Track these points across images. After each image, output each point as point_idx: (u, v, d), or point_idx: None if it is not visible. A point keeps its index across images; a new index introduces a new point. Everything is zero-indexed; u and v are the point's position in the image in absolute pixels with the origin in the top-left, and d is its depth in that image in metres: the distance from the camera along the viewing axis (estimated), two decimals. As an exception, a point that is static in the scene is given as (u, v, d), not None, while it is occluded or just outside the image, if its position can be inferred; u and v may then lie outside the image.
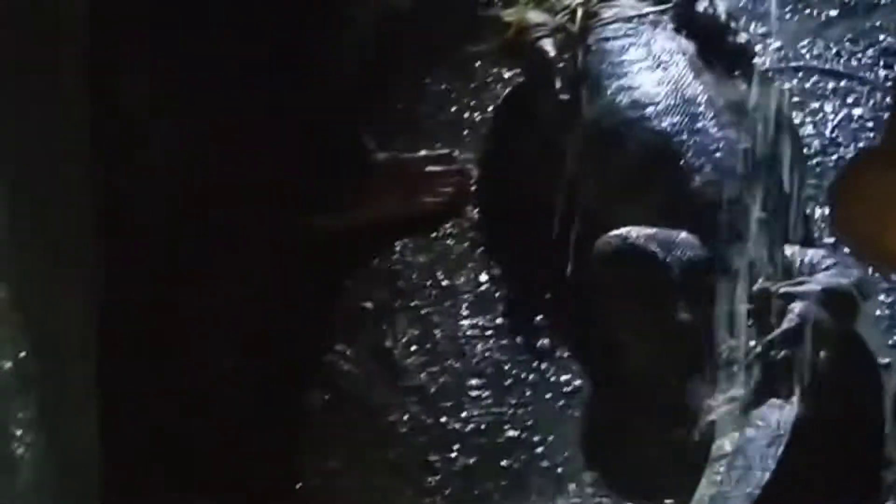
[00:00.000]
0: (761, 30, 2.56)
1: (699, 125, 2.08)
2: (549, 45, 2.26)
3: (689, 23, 2.25)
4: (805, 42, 2.54)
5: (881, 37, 2.54)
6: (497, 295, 2.17)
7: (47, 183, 1.63)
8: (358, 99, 2.20)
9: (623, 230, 2.00)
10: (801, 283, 1.94)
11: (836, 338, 1.92)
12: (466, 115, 2.41)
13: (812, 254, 2.04)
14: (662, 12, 2.27)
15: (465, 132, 2.39)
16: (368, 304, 2.17)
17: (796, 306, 1.90)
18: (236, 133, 2.00)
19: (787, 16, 2.58)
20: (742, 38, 2.30)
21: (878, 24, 2.57)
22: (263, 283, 2.14)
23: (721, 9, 2.29)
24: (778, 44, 2.53)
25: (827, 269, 1.99)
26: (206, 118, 2.03)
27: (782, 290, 1.92)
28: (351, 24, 2.02)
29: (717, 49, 2.22)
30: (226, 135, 2.00)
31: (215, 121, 2.03)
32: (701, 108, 2.09)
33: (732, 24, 2.29)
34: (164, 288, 2.04)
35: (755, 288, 1.93)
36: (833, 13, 2.60)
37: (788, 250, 2.00)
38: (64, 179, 1.67)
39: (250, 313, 2.11)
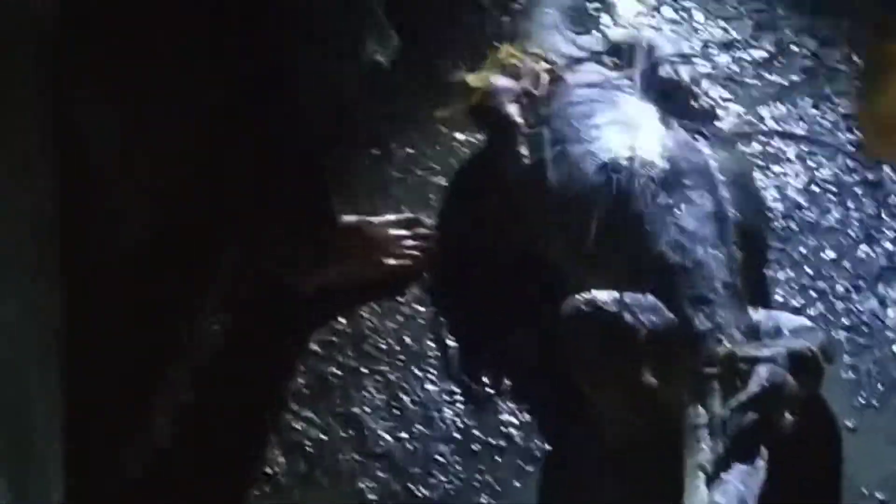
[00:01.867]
0: (724, 94, 2.60)
1: (664, 189, 2.09)
2: (514, 110, 2.27)
3: (652, 88, 2.27)
4: (768, 106, 2.57)
5: (842, 101, 2.58)
6: (465, 359, 2.17)
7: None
8: (326, 161, 2.19)
9: (589, 294, 2.00)
10: (766, 347, 1.95)
11: (801, 401, 1.92)
12: (433, 179, 2.42)
13: (777, 317, 2.05)
14: (626, 77, 2.29)
15: (432, 196, 2.39)
16: (335, 369, 2.16)
17: (762, 370, 1.90)
18: (202, 187, 1.99)
19: (750, 80, 2.62)
20: (704, 102, 2.32)
21: (839, 89, 2.61)
22: (228, 345, 2.13)
23: (683, 74, 2.32)
24: (741, 108, 2.56)
25: (792, 332, 2.00)
26: (172, 166, 2.02)
27: (748, 353, 1.93)
28: (331, 85, 2.02)
29: (679, 113, 2.24)
30: (191, 188, 1.99)
31: (182, 171, 2.01)
32: (665, 172, 2.10)
33: (695, 89, 2.31)
34: (125, 332, 2.02)
35: (721, 352, 1.93)
36: (795, 78, 2.63)
37: (753, 313, 2.01)
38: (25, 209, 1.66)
39: (213, 374, 2.10)
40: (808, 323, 2.07)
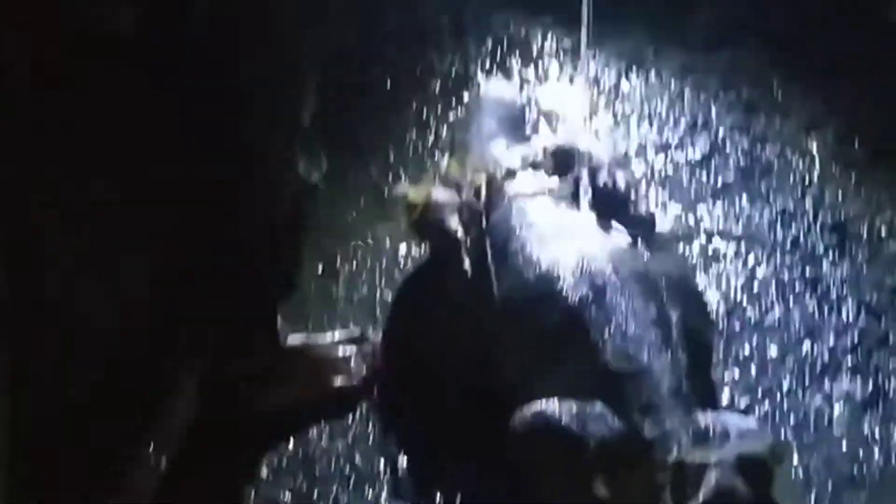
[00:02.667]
0: (662, 196, 2.63)
1: (606, 297, 2.10)
2: (455, 223, 2.29)
3: (590, 195, 2.29)
4: (705, 207, 2.61)
5: (778, 199, 2.62)
6: (416, 478, 2.16)
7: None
8: (272, 281, 2.19)
9: (538, 406, 2.00)
10: (715, 452, 1.95)
11: (752, 504, 1.93)
12: (378, 294, 2.43)
13: (725, 420, 2.05)
14: (565, 185, 2.31)
15: (378, 311, 2.40)
16: (286, 495, 2.14)
17: (712, 476, 1.90)
18: (146, 305, 1.98)
19: (686, 182, 2.66)
20: (643, 207, 2.34)
21: (774, 186, 2.65)
22: (176, 471, 2.10)
23: (620, 180, 2.35)
24: (677, 209, 2.60)
25: (740, 435, 2.01)
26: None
27: (697, 460, 1.93)
28: (267, 208, 2.02)
29: (619, 219, 2.26)
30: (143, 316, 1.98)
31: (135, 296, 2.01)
32: (607, 280, 2.12)
33: (633, 195, 2.34)
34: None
35: (670, 458, 1.93)
36: (730, 178, 2.68)
37: (702, 417, 2.02)
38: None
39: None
40: (756, 426, 2.08)
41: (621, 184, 2.34)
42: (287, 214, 2.04)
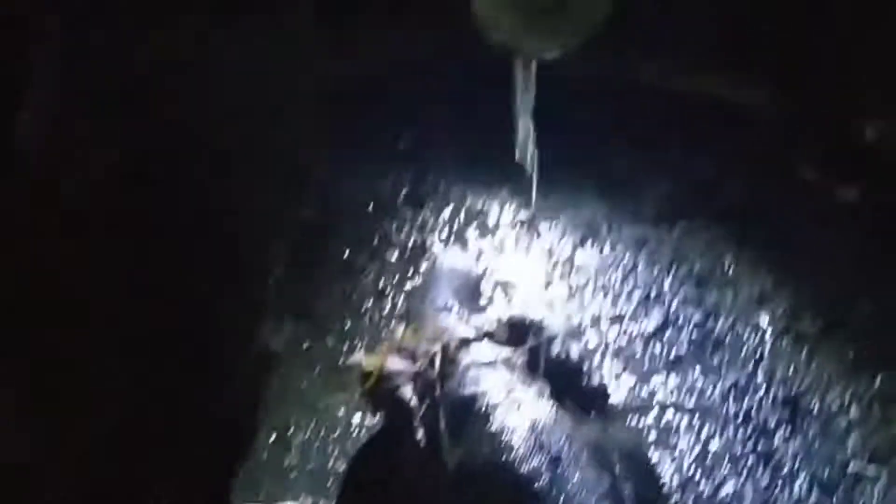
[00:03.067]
0: (616, 368, 2.65)
1: (559, 468, 2.09)
2: (408, 393, 2.29)
3: (544, 366, 2.31)
4: (658, 379, 2.63)
5: (730, 372, 2.65)
6: None
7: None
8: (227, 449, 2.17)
9: None
10: None
11: None
12: (330, 464, 2.42)
13: None
14: (518, 355, 2.33)
15: (329, 481, 2.38)
16: None
17: None
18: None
19: (639, 354, 2.69)
20: (596, 378, 2.35)
21: (726, 359, 2.68)
22: None
23: (574, 351, 2.36)
24: (631, 381, 2.62)
25: None
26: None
27: None
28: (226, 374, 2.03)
29: (572, 390, 2.27)
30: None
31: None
32: (560, 451, 2.12)
33: (585, 366, 2.35)
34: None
35: None
36: (683, 351, 2.70)
37: None
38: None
39: None
40: None
41: (574, 355, 2.36)
42: (248, 381, 2.03)
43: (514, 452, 2.12)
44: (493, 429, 2.17)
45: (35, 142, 2.08)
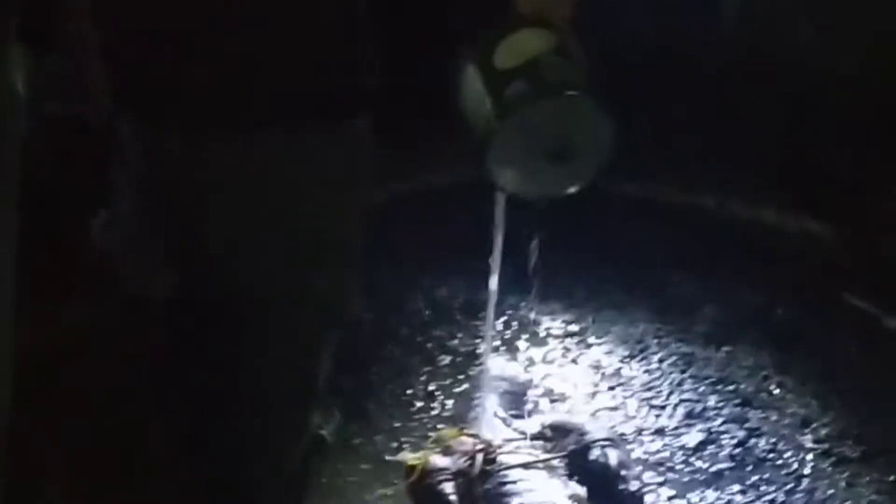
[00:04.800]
0: (656, 479, 2.70)
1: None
2: (449, 489, 2.37)
3: (581, 470, 2.38)
4: (697, 491, 2.67)
5: (769, 490, 2.68)
6: None
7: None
8: None
9: None
10: None
11: None
12: (373, 552, 2.49)
13: None
14: (557, 459, 2.40)
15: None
16: None
17: None
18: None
19: (679, 467, 2.73)
20: (633, 485, 2.42)
21: (766, 476, 2.72)
22: None
23: (614, 459, 2.43)
24: (671, 492, 2.66)
25: None
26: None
27: None
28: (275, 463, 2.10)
29: (609, 496, 2.34)
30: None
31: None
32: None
33: (623, 472, 2.42)
34: None
35: None
36: (724, 466, 2.75)
37: None
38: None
39: None
40: None
41: (613, 461, 2.43)
42: (297, 467, 2.11)
43: (547, 553, 2.20)
44: (528, 527, 2.25)
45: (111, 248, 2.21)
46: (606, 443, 2.47)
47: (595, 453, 2.43)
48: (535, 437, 2.51)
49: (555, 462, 2.41)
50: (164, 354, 2.00)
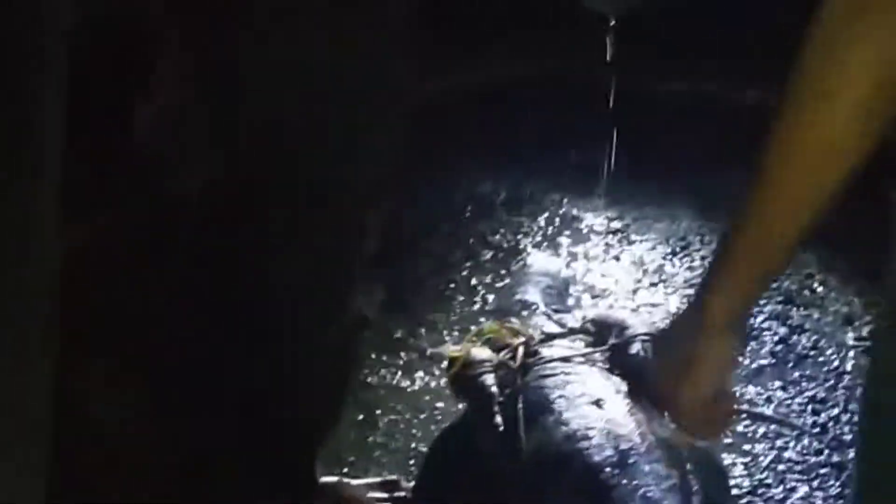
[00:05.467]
0: (697, 375, 2.71)
1: (630, 460, 2.17)
2: (490, 381, 2.38)
3: (622, 364, 2.38)
4: (737, 387, 2.68)
5: (810, 385, 2.69)
6: None
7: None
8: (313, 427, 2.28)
9: None
10: None
11: None
12: (413, 445, 2.52)
13: None
14: (598, 353, 2.41)
15: (412, 461, 2.48)
16: None
17: None
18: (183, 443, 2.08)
19: (721, 363, 2.74)
20: (673, 380, 2.42)
21: (807, 373, 2.73)
22: None
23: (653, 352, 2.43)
24: (711, 390, 2.67)
25: None
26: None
27: None
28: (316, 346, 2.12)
29: (649, 390, 2.34)
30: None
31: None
32: (632, 444, 2.19)
33: (664, 368, 2.42)
34: None
35: None
36: (764, 362, 2.76)
37: None
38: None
39: None
40: None
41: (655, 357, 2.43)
42: (341, 344, 2.11)
43: (586, 442, 2.20)
44: (567, 419, 2.26)
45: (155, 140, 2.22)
46: (647, 337, 2.46)
47: (636, 347, 2.43)
48: (576, 332, 2.51)
49: (595, 356, 2.41)
50: (204, 248, 2.02)
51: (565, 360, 2.40)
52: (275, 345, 2.05)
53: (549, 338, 2.48)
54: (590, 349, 2.43)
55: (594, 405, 2.28)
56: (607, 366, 2.40)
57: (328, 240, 2.01)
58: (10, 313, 1.59)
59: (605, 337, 2.48)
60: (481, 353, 2.45)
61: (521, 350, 2.42)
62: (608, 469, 2.16)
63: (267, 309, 2.02)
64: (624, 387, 2.33)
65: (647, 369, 2.40)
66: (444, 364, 2.48)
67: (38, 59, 1.55)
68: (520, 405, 2.32)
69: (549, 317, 2.58)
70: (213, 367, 2.04)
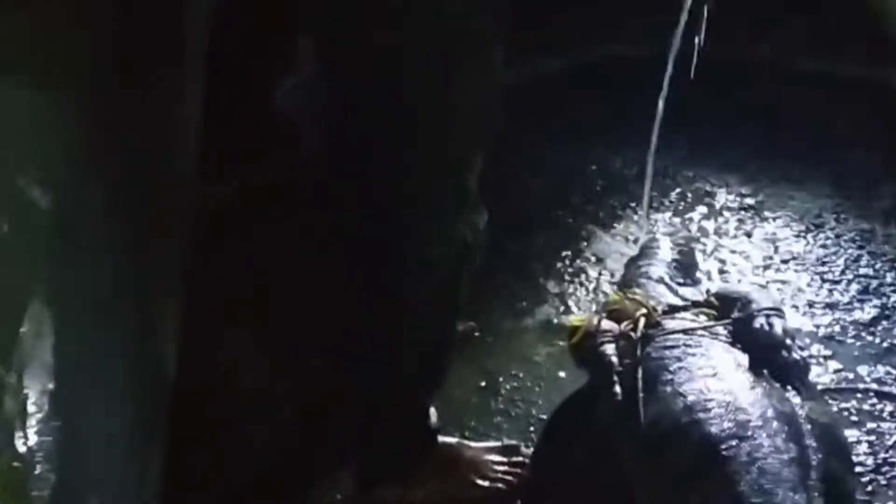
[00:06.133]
0: (825, 351, 2.68)
1: (749, 432, 2.16)
2: (611, 351, 2.40)
3: (745, 337, 2.37)
4: (866, 366, 2.65)
5: (942, 367, 2.64)
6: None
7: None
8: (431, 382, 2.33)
9: None
10: None
11: None
12: (533, 411, 2.55)
13: None
14: (721, 326, 2.41)
15: (532, 427, 2.52)
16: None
17: None
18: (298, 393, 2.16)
19: (850, 342, 2.71)
20: (797, 354, 2.39)
21: (938, 354, 2.68)
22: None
23: (777, 327, 2.41)
24: (839, 365, 2.64)
25: None
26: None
27: None
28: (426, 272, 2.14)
29: (771, 363, 2.33)
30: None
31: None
32: (751, 417, 2.19)
33: (788, 341, 2.40)
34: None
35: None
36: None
37: None
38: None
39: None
40: None
41: (778, 330, 2.41)
42: (449, 272, 2.15)
43: (704, 413, 2.20)
44: (686, 390, 2.26)
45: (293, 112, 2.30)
46: (772, 312, 2.45)
47: (759, 322, 2.42)
48: (699, 305, 2.51)
49: (718, 329, 2.40)
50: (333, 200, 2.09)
51: (687, 332, 2.40)
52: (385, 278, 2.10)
53: (672, 310, 2.49)
54: (712, 322, 2.43)
55: (714, 377, 2.28)
56: (729, 339, 2.39)
57: (437, 163, 2.04)
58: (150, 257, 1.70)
59: (728, 311, 2.47)
60: (603, 323, 2.47)
61: (642, 321, 2.43)
62: (725, 440, 2.16)
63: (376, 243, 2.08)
64: (746, 360, 2.33)
65: (771, 344, 2.40)
66: (567, 332, 2.51)
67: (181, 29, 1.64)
68: (639, 375, 2.34)
69: (674, 290, 2.58)
70: (330, 310, 2.12)
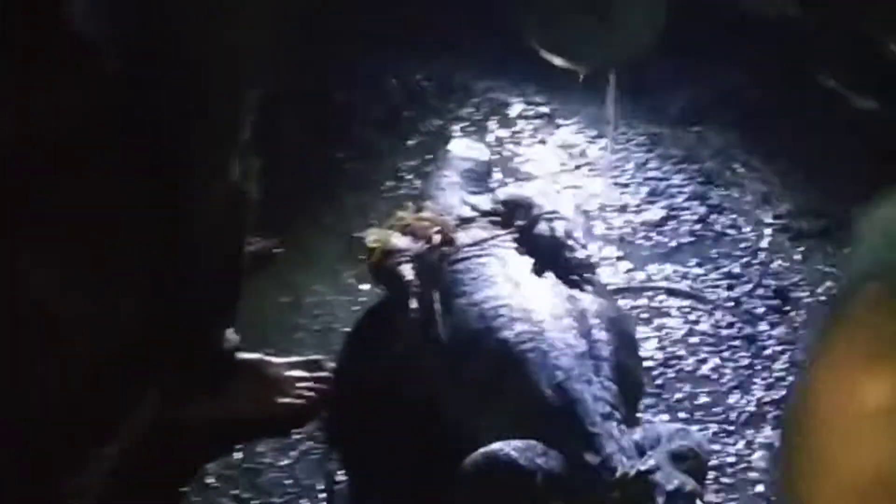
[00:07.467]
0: (617, 252, 2.78)
1: (543, 333, 2.25)
2: (408, 269, 2.44)
3: (530, 242, 2.45)
4: (655, 264, 2.75)
5: (725, 262, 2.76)
6: (352, 498, 2.30)
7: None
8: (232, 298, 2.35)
9: (487, 448, 2.14)
10: (651, 458, 2.10)
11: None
12: (336, 326, 2.59)
13: (654, 428, 2.26)
14: (509, 234, 2.48)
15: (333, 341, 2.55)
16: (230, 502, 2.28)
17: (657, 478, 2.05)
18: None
19: (639, 242, 2.81)
20: (581, 253, 2.48)
21: (723, 250, 2.80)
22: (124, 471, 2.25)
23: (559, 229, 2.48)
24: (630, 265, 2.74)
25: (669, 437, 2.18)
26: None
27: (640, 469, 2.07)
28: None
29: (556, 264, 2.42)
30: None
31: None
32: (543, 318, 2.27)
33: (570, 242, 2.47)
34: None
35: (615, 478, 2.07)
36: (683, 241, 2.82)
37: (633, 434, 2.17)
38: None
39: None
40: (681, 426, 2.29)
41: (559, 232, 2.48)
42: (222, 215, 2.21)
43: (499, 320, 2.28)
44: (479, 299, 2.33)
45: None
46: (552, 214, 2.52)
47: (542, 226, 2.49)
48: (487, 214, 2.57)
49: (507, 238, 2.48)
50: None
51: (479, 242, 2.46)
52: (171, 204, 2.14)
53: (463, 222, 2.54)
54: (499, 232, 2.50)
55: (507, 284, 2.36)
56: (519, 245, 2.47)
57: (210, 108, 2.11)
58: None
59: (513, 217, 2.54)
60: (400, 241, 2.51)
61: (436, 238, 2.48)
62: (519, 343, 2.25)
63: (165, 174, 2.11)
64: (534, 264, 2.41)
65: (555, 246, 2.48)
66: (365, 251, 2.54)
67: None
68: (436, 291, 2.39)
69: (466, 200, 2.63)
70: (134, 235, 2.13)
